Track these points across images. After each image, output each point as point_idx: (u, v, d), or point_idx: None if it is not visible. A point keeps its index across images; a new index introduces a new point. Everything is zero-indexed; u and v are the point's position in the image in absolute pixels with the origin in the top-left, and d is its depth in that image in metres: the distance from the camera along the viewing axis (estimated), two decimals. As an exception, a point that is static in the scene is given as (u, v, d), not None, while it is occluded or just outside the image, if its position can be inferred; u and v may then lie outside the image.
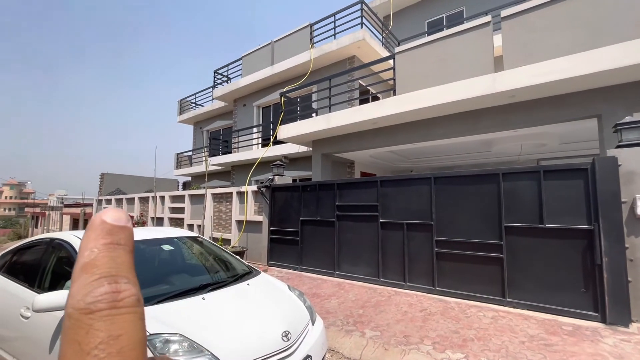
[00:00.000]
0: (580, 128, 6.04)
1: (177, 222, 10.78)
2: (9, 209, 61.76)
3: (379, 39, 10.73)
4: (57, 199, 27.37)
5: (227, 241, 8.87)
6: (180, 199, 10.89)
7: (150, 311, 2.24)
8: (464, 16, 10.43)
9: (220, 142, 15.37)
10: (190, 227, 10.19)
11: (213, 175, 14.42)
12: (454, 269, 5.01)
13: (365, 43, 9.12)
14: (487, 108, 5.86)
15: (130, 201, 13.10)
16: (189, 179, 17.61)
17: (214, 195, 9.65)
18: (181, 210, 10.73)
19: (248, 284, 2.99)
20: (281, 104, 8.76)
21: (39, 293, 2.62)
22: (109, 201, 14.38)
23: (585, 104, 5.03)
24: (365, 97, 9.24)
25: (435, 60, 6.05)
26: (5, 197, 65.56)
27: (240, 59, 12.85)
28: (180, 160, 17.52)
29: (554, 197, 4.33)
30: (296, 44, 10.69)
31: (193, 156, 16.99)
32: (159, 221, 11.38)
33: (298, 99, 10.83)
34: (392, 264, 5.68)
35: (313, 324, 2.80)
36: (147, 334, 1.98)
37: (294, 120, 8.87)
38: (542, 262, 4.34)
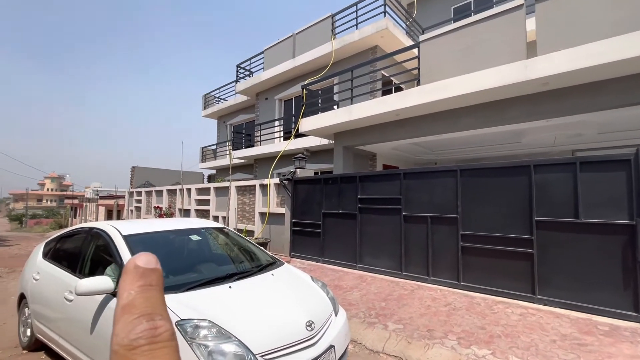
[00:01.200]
0: (622, 116, 5.62)
1: (203, 214, 11.14)
2: (51, 201, 66.18)
3: (403, 28, 10.42)
4: (93, 191, 29.04)
5: (250, 232, 9.08)
6: (206, 191, 11.23)
7: (181, 298, 2.35)
8: (494, 0, 9.91)
9: (243, 136, 15.64)
10: (216, 218, 10.51)
11: (236, 168, 14.73)
12: (480, 263, 4.87)
13: (389, 32, 8.89)
14: (517, 97, 5.58)
15: (159, 193, 13.65)
16: (214, 172, 18.09)
17: (238, 188, 9.87)
18: (207, 202, 11.07)
19: (272, 274, 3.06)
20: (302, 97, 8.76)
21: (80, 278, 2.81)
22: (139, 193, 15.06)
23: (628, 91, 4.67)
24: (388, 88, 9.04)
25: (462, 48, 5.81)
26: (47, 190, 70.26)
27: (262, 52, 12.93)
28: (205, 154, 18.01)
29: (592, 190, 4.09)
30: (317, 36, 10.60)
31: (217, 150, 17.41)
32: (186, 212, 11.81)
33: (319, 92, 10.78)
34: (415, 257, 5.60)
35: (336, 315, 2.83)
36: (179, 318, 2.08)
37: (315, 112, 8.85)
38: (576, 259, 4.13)
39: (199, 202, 11.43)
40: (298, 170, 7.89)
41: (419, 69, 6.39)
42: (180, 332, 2.04)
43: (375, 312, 4.39)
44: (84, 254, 3.15)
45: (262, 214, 8.90)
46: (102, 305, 2.50)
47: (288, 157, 10.83)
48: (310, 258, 7.29)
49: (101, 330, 2.46)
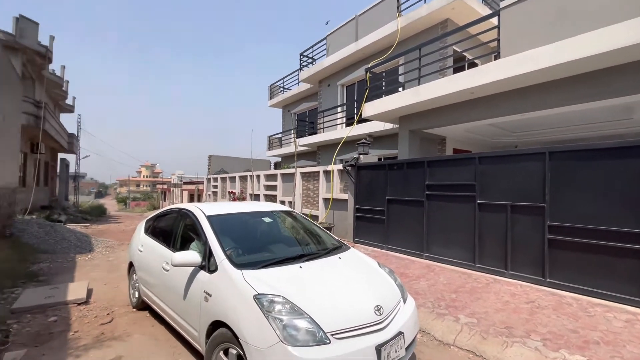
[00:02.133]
0: None
1: (271, 199, 11.82)
2: (146, 186, 77.13)
3: (478, -4, 9.35)
4: (177, 178, 32.91)
5: (314, 217, 9.36)
6: (273, 177, 11.85)
7: (257, 274, 2.53)
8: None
9: (306, 124, 15.99)
10: (282, 203, 11.06)
11: (300, 155, 15.19)
12: (573, 259, 4.27)
13: (462, 2, 8.08)
14: (627, 64, 4.62)
15: (232, 179, 14.86)
16: (279, 159, 18.96)
17: (303, 174, 10.20)
18: (274, 187, 11.70)
19: (339, 258, 3.11)
20: (366, 80, 8.55)
21: (173, 252, 3.23)
22: (215, 179, 16.59)
23: None
24: (460, 65, 8.28)
25: (553, 10, 4.99)
26: (143, 176, 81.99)
27: (325, 38, 12.90)
28: (272, 142, 18.93)
29: None
30: (381, 15, 10.15)
31: (282, 138, 18.15)
32: (255, 197, 12.66)
33: (383, 74, 10.38)
34: (490, 249, 5.16)
35: (404, 303, 2.77)
36: (256, 292, 2.25)
37: (379, 96, 8.57)
38: None
39: (267, 187, 12.13)
40: (361, 156, 7.81)
41: (499, 40, 5.70)
42: (258, 305, 2.21)
43: (444, 304, 4.19)
44: (175, 231, 3.60)
45: (326, 200, 9.08)
46: (192, 276, 2.84)
47: (351, 144, 10.76)
48: (374, 244, 7.24)
49: (191, 297, 2.80)
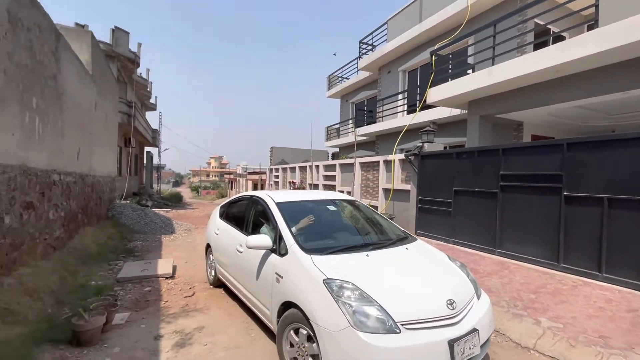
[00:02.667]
0: None
1: (329, 189, 11.98)
2: (214, 176, 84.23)
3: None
4: (242, 169, 35.12)
5: (374, 208, 9.23)
6: (332, 167, 11.97)
7: (325, 260, 2.60)
8: None
9: (365, 113, 15.73)
10: (341, 193, 11.13)
11: (358, 145, 15.04)
12: (694, 265, 3.55)
13: (547, -33, 7.04)
14: None
15: (293, 169, 15.39)
16: (337, 150, 19.04)
17: (362, 164, 10.11)
18: (333, 177, 11.82)
19: (407, 248, 3.03)
20: (431, 64, 8.05)
21: (246, 235, 3.48)
22: (277, 170, 17.35)
23: None
24: (542, 41, 7.29)
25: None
26: (212, 167, 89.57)
27: (385, 23, 12.43)
28: (330, 133, 19.06)
29: None
30: (449, -8, 9.38)
31: (340, 128, 18.15)
32: (314, 187, 12.95)
33: (450, 56, 9.65)
34: (579, 247, 4.55)
35: (478, 299, 2.61)
36: (325, 277, 2.32)
37: (445, 80, 8.01)
38: None
39: (326, 177, 12.30)
40: (425, 144, 7.44)
41: (596, 6, 4.88)
42: (327, 289, 2.27)
43: (522, 304, 3.84)
44: (247, 216, 3.87)
45: (386, 190, 8.89)
46: (264, 258, 3.03)
47: (412, 132, 10.32)
48: (438, 238, 6.91)
49: (263, 277, 3.00)
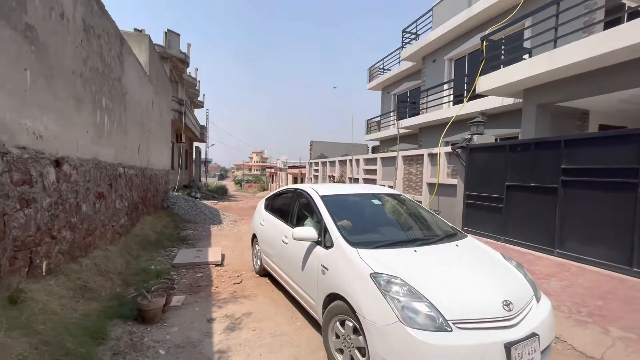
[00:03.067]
0: None
1: (370, 183, 11.82)
2: (256, 169, 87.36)
3: None
4: (282, 163, 35.94)
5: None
6: (373, 161, 11.79)
7: (372, 253, 2.58)
8: None
9: (407, 105, 15.21)
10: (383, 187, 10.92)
11: (400, 138, 14.59)
12: None
13: None
14: None
15: (332, 163, 15.42)
16: (377, 143, 18.68)
17: (405, 158, 9.83)
18: (373, 171, 11.64)
19: (457, 245, 2.91)
20: (482, 50, 7.53)
21: (291, 227, 3.57)
22: (317, 164, 17.51)
23: None
24: (613, 18, 6.45)
25: None
26: (254, 161, 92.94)
27: (430, 10, 11.85)
28: (370, 126, 18.75)
29: None
30: (503, -29, 8.66)
31: (381, 121, 17.77)
32: (354, 181, 12.86)
33: (503, 41, 8.95)
34: (659, 251, 4.02)
35: (537, 302, 2.43)
36: (372, 271, 2.30)
37: (497, 68, 7.45)
38: None
39: (366, 171, 12.15)
40: (474, 136, 7.01)
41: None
42: (375, 283, 2.26)
43: (586, 310, 3.51)
44: (292, 208, 3.97)
45: (430, 185, 8.57)
46: (309, 250, 3.09)
47: (458, 124, 9.77)
48: (488, 235, 6.51)
49: (309, 269, 3.06)
